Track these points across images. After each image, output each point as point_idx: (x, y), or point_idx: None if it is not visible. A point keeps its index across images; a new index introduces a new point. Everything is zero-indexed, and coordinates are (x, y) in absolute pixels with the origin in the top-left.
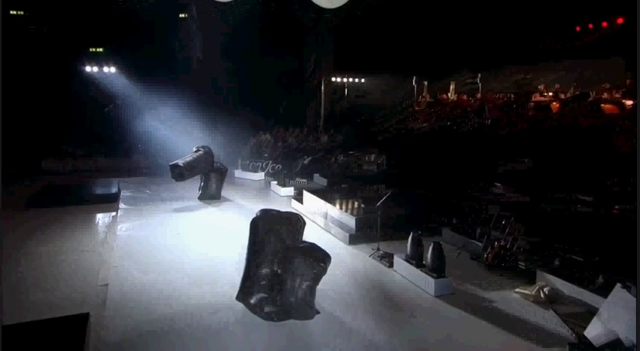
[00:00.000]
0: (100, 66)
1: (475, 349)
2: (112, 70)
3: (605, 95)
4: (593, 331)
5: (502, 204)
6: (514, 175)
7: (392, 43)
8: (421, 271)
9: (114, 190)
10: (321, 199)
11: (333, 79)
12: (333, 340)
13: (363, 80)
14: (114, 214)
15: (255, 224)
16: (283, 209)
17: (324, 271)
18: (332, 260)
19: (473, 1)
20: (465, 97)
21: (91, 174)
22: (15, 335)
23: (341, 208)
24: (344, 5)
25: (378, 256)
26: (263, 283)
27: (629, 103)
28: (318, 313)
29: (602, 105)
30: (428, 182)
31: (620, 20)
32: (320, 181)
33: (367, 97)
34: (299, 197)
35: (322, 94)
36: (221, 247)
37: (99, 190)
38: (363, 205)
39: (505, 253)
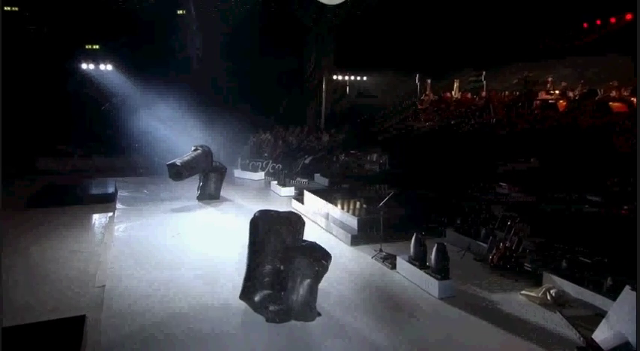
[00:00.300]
0: (97, 63)
1: None
2: (109, 67)
3: (613, 93)
4: (602, 335)
5: (506, 204)
6: (519, 175)
7: (395, 40)
8: (425, 272)
9: (111, 190)
10: (323, 199)
11: (335, 77)
12: (334, 342)
13: (365, 78)
14: (111, 214)
15: (254, 224)
16: (283, 210)
17: (325, 269)
18: (333, 262)
19: None
20: (469, 95)
21: (87, 173)
22: (10, 338)
23: (342, 209)
24: (344, 5)
25: (381, 258)
26: (266, 280)
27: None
28: (319, 314)
29: (611, 103)
30: (431, 182)
31: (628, 16)
32: (321, 181)
33: (369, 96)
34: (300, 197)
35: (323, 92)
36: (220, 248)
37: (96, 190)
38: (365, 206)
39: (510, 254)
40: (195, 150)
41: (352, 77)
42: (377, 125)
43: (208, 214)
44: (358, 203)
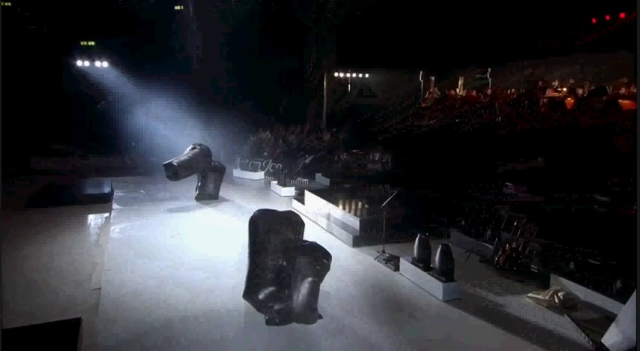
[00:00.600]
0: (92, 60)
1: None
2: (105, 64)
3: (622, 90)
4: (611, 339)
5: (512, 204)
6: (525, 175)
7: (398, 37)
8: (429, 274)
9: (107, 189)
10: (324, 199)
11: (336, 74)
12: (335, 344)
13: (367, 75)
14: (107, 215)
15: (254, 223)
16: (283, 210)
17: (326, 268)
18: (335, 264)
19: None
20: (474, 92)
21: (82, 173)
22: (4, 340)
23: (344, 209)
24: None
25: (384, 259)
26: (270, 276)
27: None
28: (320, 317)
29: (620, 101)
30: (433, 182)
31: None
32: (322, 180)
33: (371, 94)
34: (300, 197)
35: (324, 91)
36: (219, 249)
37: (91, 190)
38: (367, 206)
39: (517, 255)
40: (193, 148)
41: (354, 74)
42: (377, 125)
43: (207, 214)
44: (360, 203)
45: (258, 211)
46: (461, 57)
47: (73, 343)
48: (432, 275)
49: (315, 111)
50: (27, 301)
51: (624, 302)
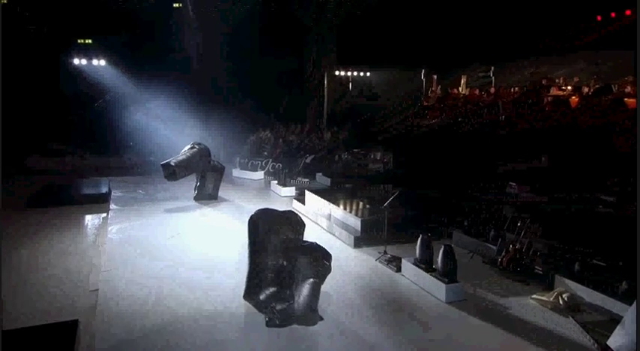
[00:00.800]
0: (89, 58)
1: None
2: (102, 62)
3: (628, 89)
4: (617, 341)
5: (515, 204)
6: (529, 175)
7: (399, 35)
8: (431, 275)
9: (104, 189)
10: (324, 199)
11: (337, 72)
12: (336, 347)
13: (368, 74)
14: (104, 215)
15: (254, 223)
16: (283, 210)
17: (327, 269)
18: (336, 265)
19: None
20: (477, 91)
21: (80, 173)
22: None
23: (345, 209)
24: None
25: (385, 260)
26: (270, 276)
27: None
28: (321, 319)
29: (626, 99)
30: (435, 182)
31: None
32: (323, 180)
33: (371, 94)
34: (301, 198)
35: (325, 90)
36: (218, 250)
37: (88, 190)
38: (368, 206)
39: (521, 256)
40: (191, 148)
41: (355, 73)
42: (377, 125)
43: (206, 214)
44: (361, 204)
45: (258, 210)
46: (463, 55)
47: (70, 345)
48: (435, 276)
49: (315, 111)
50: (23, 302)
51: (630, 304)
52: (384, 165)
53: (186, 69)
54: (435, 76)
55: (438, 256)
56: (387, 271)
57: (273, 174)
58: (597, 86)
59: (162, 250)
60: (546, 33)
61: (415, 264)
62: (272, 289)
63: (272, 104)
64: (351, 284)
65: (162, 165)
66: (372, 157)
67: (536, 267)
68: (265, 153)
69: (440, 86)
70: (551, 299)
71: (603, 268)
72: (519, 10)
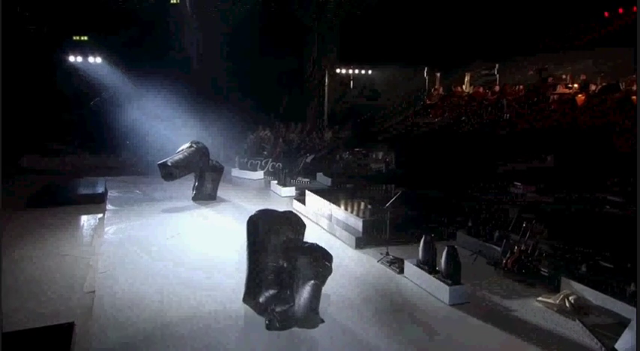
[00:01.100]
0: (85, 56)
1: None
2: (98, 60)
3: (634, 87)
4: (625, 344)
5: (519, 204)
6: (534, 174)
7: (402, 32)
8: (434, 277)
9: (100, 189)
10: (325, 199)
11: (338, 70)
12: (337, 349)
13: (370, 72)
14: (100, 215)
15: (254, 223)
16: (283, 210)
17: (328, 270)
18: (337, 266)
19: None
20: (481, 89)
21: (75, 172)
22: None
23: (346, 210)
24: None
25: (388, 261)
26: (270, 278)
27: None
28: (322, 321)
29: (634, 97)
30: (437, 182)
31: None
32: (323, 180)
33: (371, 94)
34: (301, 198)
35: (326, 88)
36: (217, 251)
37: (84, 190)
38: (370, 206)
39: (526, 258)
40: (189, 147)
41: (357, 71)
42: (377, 125)
43: (205, 215)
44: (363, 204)
45: (258, 211)
46: (467, 52)
47: (66, 348)
48: (438, 278)
49: (315, 110)
50: (18, 304)
51: (638, 306)
52: (386, 164)
53: (187, 69)
54: (439, 74)
55: (441, 258)
56: (389, 272)
57: (273, 174)
58: (604, 84)
59: (160, 251)
60: (552, 29)
61: (418, 265)
62: (272, 292)
63: (272, 104)
64: (352, 286)
65: (158, 164)
66: (373, 156)
67: (542, 269)
68: (265, 152)
69: (442, 86)
70: (558, 301)
71: (611, 270)
72: (524, 6)
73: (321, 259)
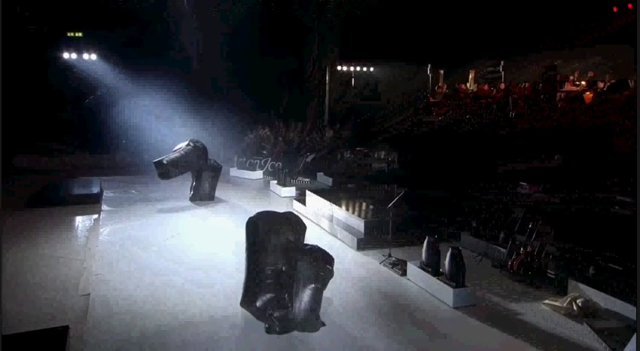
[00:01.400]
0: (80, 52)
1: None
2: (93, 57)
3: None
4: (634, 348)
5: (525, 205)
6: (541, 174)
7: (404, 28)
8: (438, 279)
9: (95, 190)
10: (326, 200)
11: (339, 67)
12: None
13: (372, 69)
14: (96, 216)
15: (254, 224)
16: (283, 211)
17: (329, 273)
18: (338, 268)
19: None
20: (486, 87)
21: (69, 172)
22: None
23: (348, 210)
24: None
25: (390, 263)
26: (268, 282)
27: None
28: (323, 325)
29: None
30: (443, 181)
31: None
32: (324, 180)
33: (371, 94)
34: (301, 198)
35: (327, 86)
36: (215, 253)
37: (79, 190)
38: (372, 207)
39: (532, 259)
40: (187, 145)
41: (358, 68)
42: (377, 125)
43: (202, 216)
44: (364, 204)
45: (258, 213)
46: (471, 49)
47: None
48: (442, 280)
49: (315, 111)
50: (11, 307)
51: None
52: (389, 164)
53: (187, 69)
54: (442, 72)
55: (445, 259)
56: (392, 274)
57: (273, 173)
58: (613, 81)
59: (156, 253)
60: (559, 25)
61: (421, 267)
62: (270, 295)
63: (272, 104)
64: (353, 288)
65: (154, 163)
66: (375, 156)
67: (549, 271)
68: (264, 152)
69: (445, 83)
70: (565, 305)
71: (620, 272)
72: (529, 2)
73: (322, 262)
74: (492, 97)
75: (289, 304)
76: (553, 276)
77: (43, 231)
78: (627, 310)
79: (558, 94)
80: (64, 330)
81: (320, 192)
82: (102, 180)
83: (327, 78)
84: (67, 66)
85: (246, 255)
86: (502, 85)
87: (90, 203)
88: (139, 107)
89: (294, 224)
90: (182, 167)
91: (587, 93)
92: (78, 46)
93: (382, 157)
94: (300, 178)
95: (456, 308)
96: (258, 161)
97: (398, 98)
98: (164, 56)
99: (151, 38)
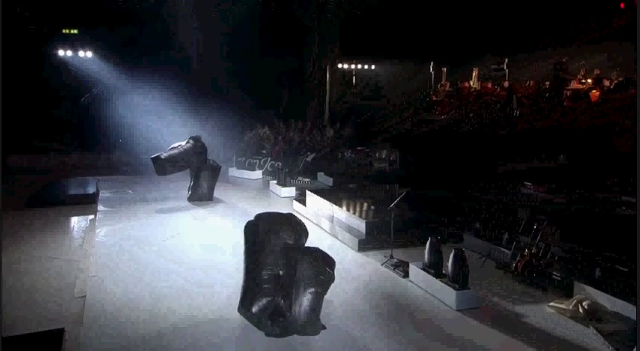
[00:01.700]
0: (75, 50)
1: None
2: (89, 54)
3: None
4: None
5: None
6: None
7: (406, 25)
8: (441, 281)
9: (91, 190)
10: (327, 200)
11: (340, 65)
12: None
13: (373, 67)
14: (92, 217)
15: (253, 225)
16: (284, 212)
17: (330, 277)
18: (339, 269)
19: None
20: (490, 85)
21: (65, 172)
22: None
23: (349, 211)
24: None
25: (392, 265)
26: (266, 287)
27: None
28: (323, 328)
29: None
30: (446, 181)
31: None
32: (325, 180)
33: (371, 94)
34: (301, 198)
35: (327, 84)
36: (213, 254)
37: (75, 190)
38: (373, 207)
39: (537, 261)
40: (186, 142)
41: (359, 66)
42: (377, 125)
43: (201, 217)
44: (366, 204)
45: (258, 214)
46: (475, 46)
47: None
48: (445, 282)
49: (315, 110)
50: (6, 309)
51: None
52: (390, 163)
53: (187, 69)
54: (445, 69)
55: (448, 261)
56: (394, 276)
57: (272, 173)
58: (620, 79)
59: (153, 254)
60: (564, 22)
61: (424, 269)
62: (269, 300)
63: (272, 104)
64: (355, 290)
65: (151, 158)
66: (376, 155)
67: (554, 273)
68: (264, 151)
69: (448, 81)
70: (571, 307)
71: (626, 274)
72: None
73: (322, 263)
74: (496, 95)
75: (289, 310)
76: (558, 278)
77: (39, 231)
78: (634, 312)
79: (564, 92)
80: (59, 332)
81: (320, 192)
82: (98, 180)
83: (327, 78)
84: (62, 63)
85: (245, 257)
86: (506, 83)
87: (86, 203)
88: (136, 106)
89: (294, 225)
90: (180, 164)
91: (594, 91)
92: (73, 43)
93: (384, 156)
94: (300, 178)
95: (458, 310)
96: (258, 161)
97: (398, 98)
98: (163, 56)
99: (150, 37)
